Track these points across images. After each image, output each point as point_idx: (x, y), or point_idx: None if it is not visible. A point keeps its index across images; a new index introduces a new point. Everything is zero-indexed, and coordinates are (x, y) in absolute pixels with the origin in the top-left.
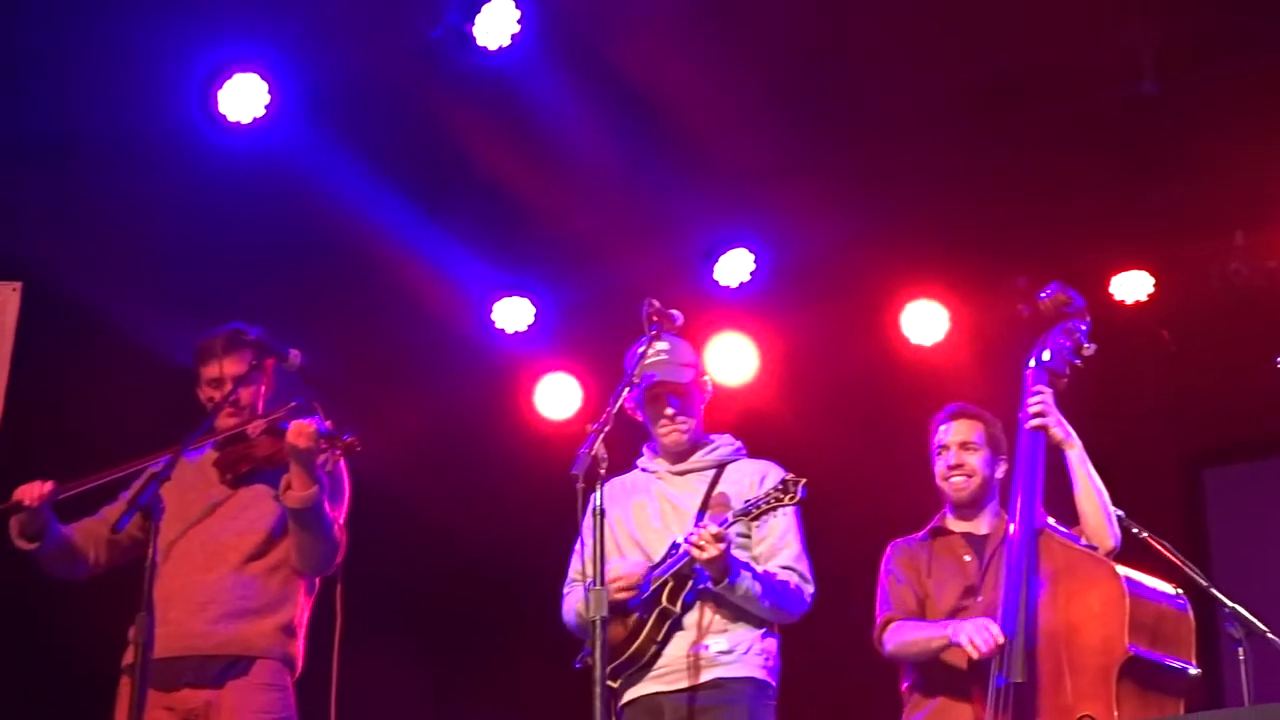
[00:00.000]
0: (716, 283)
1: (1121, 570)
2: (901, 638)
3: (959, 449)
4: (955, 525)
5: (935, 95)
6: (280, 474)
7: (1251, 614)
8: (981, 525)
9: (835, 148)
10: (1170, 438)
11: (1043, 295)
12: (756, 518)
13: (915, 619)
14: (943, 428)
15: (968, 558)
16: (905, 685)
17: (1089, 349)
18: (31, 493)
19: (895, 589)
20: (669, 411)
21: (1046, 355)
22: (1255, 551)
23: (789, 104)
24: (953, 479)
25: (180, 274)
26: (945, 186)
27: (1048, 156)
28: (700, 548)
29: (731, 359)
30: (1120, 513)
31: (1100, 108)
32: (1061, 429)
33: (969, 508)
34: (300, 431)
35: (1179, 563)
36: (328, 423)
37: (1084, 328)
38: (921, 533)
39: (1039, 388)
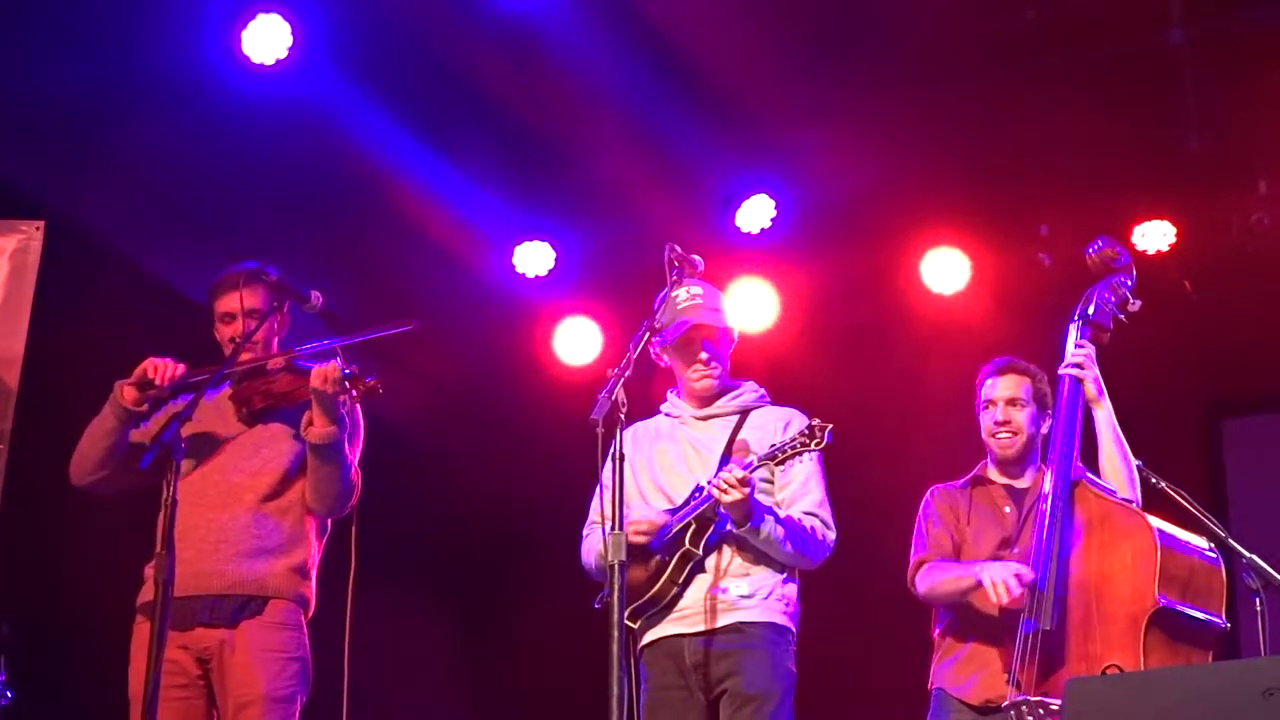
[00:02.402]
0: (738, 229)
1: (1155, 522)
2: (933, 579)
3: (1006, 405)
4: (996, 476)
5: (960, 41)
6: (297, 412)
7: (1269, 564)
8: (1023, 478)
9: (858, 94)
10: (1190, 388)
11: (1091, 250)
12: (782, 462)
13: (948, 560)
14: (989, 382)
15: (1007, 509)
16: (937, 631)
17: (1134, 304)
18: (164, 372)
19: (933, 532)
20: (703, 356)
21: (1091, 310)
22: (1273, 502)
23: (812, 50)
24: (999, 436)
25: (202, 215)
26: (968, 133)
27: (1072, 104)
28: (725, 491)
29: (752, 305)
30: (1139, 463)
31: (1126, 56)
32: (1096, 386)
33: (1014, 465)
34: (325, 377)
35: (1197, 513)
36: (352, 367)
37: (1130, 283)
38: (962, 480)
39: (1082, 342)
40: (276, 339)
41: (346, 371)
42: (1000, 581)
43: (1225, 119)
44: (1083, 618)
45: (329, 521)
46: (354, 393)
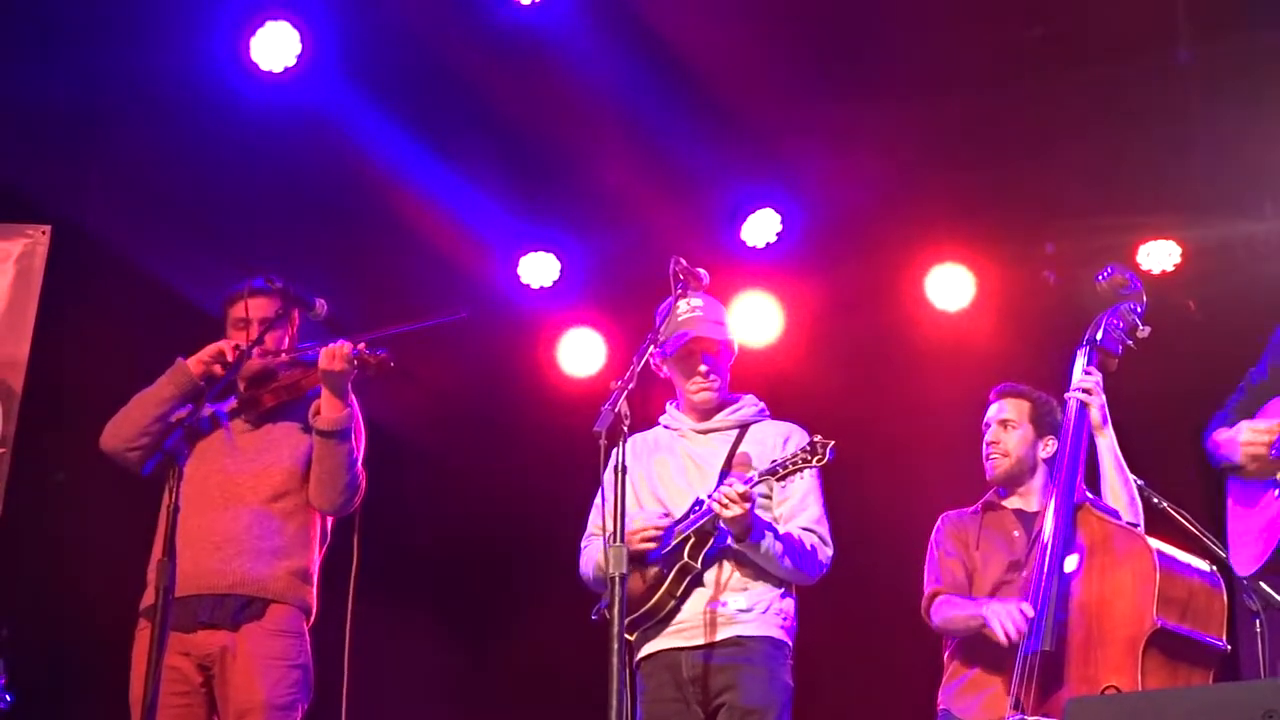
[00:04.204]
0: (743, 242)
1: (1155, 544)
2: (945, 614)
3: (997, 426)
4: (1007, 501)
5: (967, 58)
6: (305, 406)
7: (1269, 586)
8: (1033, 502)
9: (864, 109)
10: (1192, 407)
11: (1100, 276)
12: (783, 478)
13: (962, 593)
14: (993, 406)
15: (1016, 533)
16: (946, 654)
17: (1143, 331)
18: (229, 353)
19: (944, 561)
20: (702, 369)
21: (1099, 335)
22: None
23: (819, 64)
24: (990, 457)
25: (208, 221)
26: (973, 150)
27: (1079, 122)
28: (725, 505)
29: (756, 319)
30: (1140, 482)
31: (1133, 75)
32: (1101, 414)
33: (1006, 485)
34: (333, 355)
35: (1198, 533)
36: (360, 345)
37: (1139, 309)
38: (974, 506)
39: (1090, 369)
40: (284, 347)
41: (355, 350)
42: (1006, 620)
43: (1231, 139)
44: (1083, 639)
45: (329, 528)
46: (366, 367)
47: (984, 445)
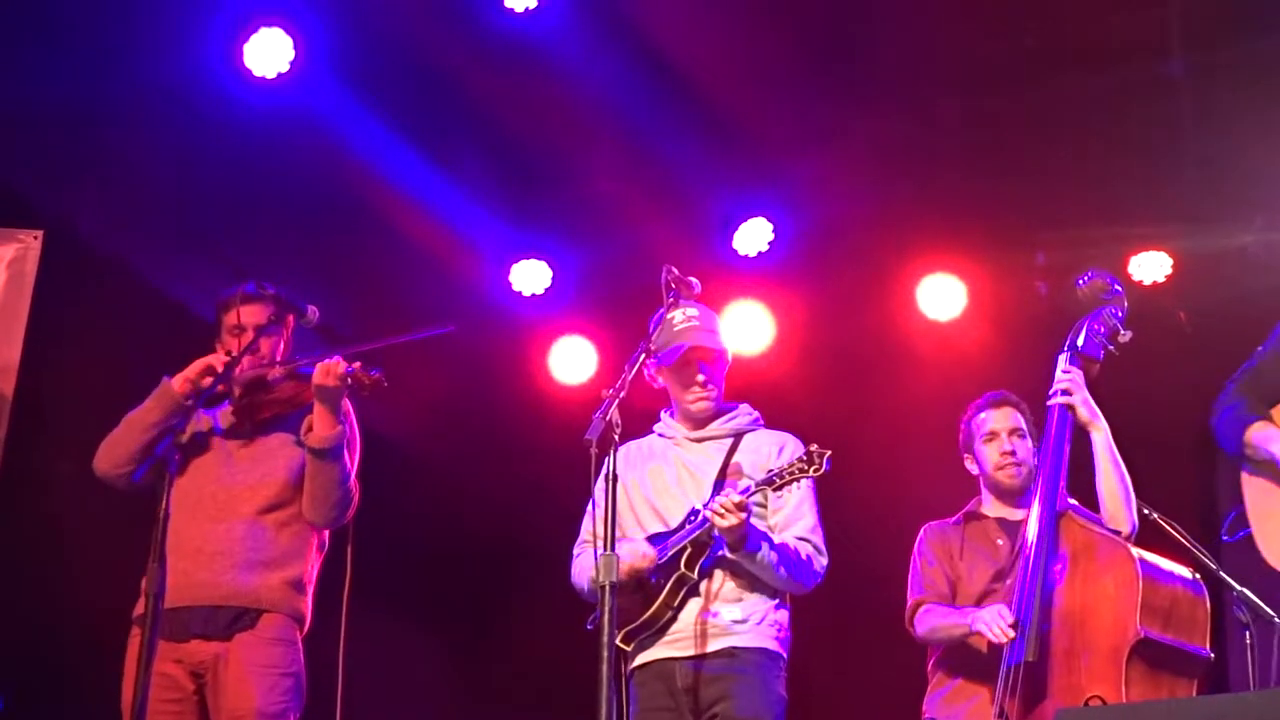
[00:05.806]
0: (735, 251)
1: (1137, 553)
2: (929, 623)
3: (1010, 436)
4: (990, 510)
5: (959, 68)
6: (300, 418)
7: (1260, 598)
8: (1018, 511)
9: (857, 119)
10: (1184, 418)
11: (1080, 281)
12: (779, 488)
13: (945, 603)
14: (983, 415)
15: (1000, 541)
16: (930, 664)
17: (1125, 335)
18: (218, 365)
19: (927, 571)
20: (700, 379)
21: (1080, 340)
22: None
23: (812, 74)
24: (1008, 468)
25: (201, 227)
26: (965, 160)
27: (1070, 133)
28: (721, 515)
29: (748, 328)
30: None
31: (1125, 86)
32: (1087, 409)
33: (1018, 494)
34: (328, 371)
35: (1189, 545)
36: (355, 365)
37: (1120, 314)
38: (955, 516)
39: (1068, 369)
40: (280, 354)
41: (349, 368)
42: (992, 622)
43: (1223, 150)
44: (1066, 648)
45: (328, 537)
46: (360, 386)
47: (996, 455)
